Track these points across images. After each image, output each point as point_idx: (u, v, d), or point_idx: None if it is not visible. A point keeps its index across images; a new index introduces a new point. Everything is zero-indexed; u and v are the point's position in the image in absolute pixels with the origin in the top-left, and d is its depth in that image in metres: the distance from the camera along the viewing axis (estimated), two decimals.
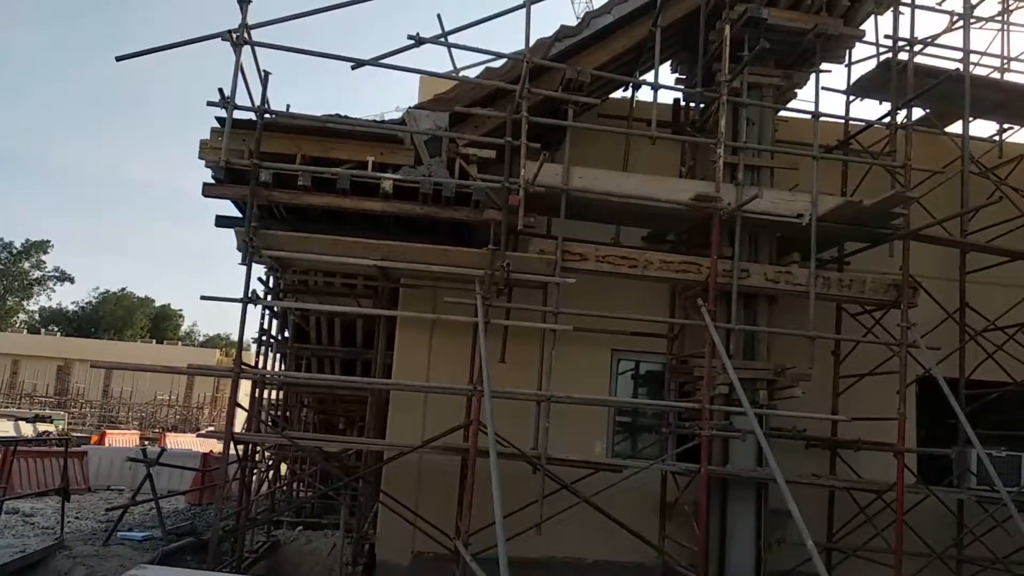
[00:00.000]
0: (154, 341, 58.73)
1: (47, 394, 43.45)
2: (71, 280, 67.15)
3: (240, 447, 8.15)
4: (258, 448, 12.40)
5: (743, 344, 8.40)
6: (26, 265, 65.49)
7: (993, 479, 8.36)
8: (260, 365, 8.52)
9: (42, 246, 65.24)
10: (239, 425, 8.45)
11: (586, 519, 7.82)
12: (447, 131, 7.82)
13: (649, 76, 9.48)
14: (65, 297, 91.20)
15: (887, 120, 8.59)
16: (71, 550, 8.47)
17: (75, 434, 24.00)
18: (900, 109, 8.24)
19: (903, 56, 8.64)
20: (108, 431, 22.97)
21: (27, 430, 21.60)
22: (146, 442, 22.61)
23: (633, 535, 7.86)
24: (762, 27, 8.15)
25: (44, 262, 66.40)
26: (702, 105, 8.96)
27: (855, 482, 8.29)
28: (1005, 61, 9.33)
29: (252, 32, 7.63)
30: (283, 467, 14.68)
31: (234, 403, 7.01)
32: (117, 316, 70.86)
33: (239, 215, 8.36)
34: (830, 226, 8.01)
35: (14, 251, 64.42)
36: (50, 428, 22.40)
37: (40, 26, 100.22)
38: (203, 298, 8.18)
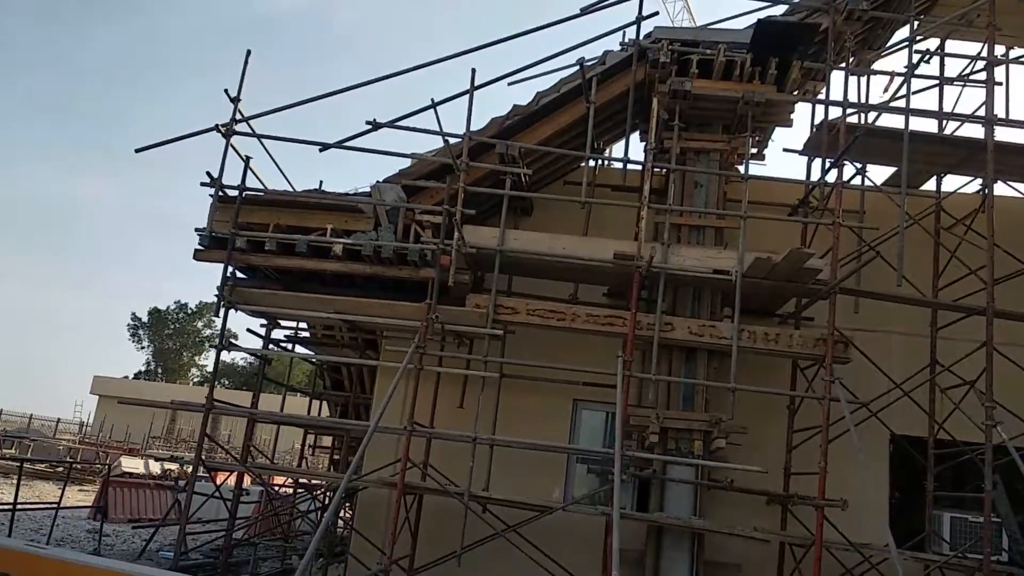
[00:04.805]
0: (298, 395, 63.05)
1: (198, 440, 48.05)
2: (235, 337, 73.86)
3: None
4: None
5: (682, 396, 8.73)
6: (199, 324, 72.98)
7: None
8: (255, 405, 9.76)
9: (212, 306, 72.64)
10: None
11: (534, 562, 8.32)
12: (406, 201, 8.93)
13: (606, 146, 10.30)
14: (235, 354, 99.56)
15: (832, 180, 8.76)
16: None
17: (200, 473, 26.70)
18: (833, 168, 8.45)
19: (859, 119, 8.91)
20: (219, 472, 25.44)
21: (155, 468, 24.49)
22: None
23: None
24: (690, 98, 8.72)
25: (214, 321, 73.73)
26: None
27: (780, 534, 8.29)
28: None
29: (251, 123, 9.26)
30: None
31: (203, 435, 8.29)
32: (278, 371, 77.02)
33: (242, 276, 9.85)
34: (759, 282, 8.28)
35: (189, 311, 72.13)
36: (174, 468, 25.20)
37: None
38: (227, 346, 9.47)
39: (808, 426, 8.90)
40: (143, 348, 72.23)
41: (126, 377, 65.32)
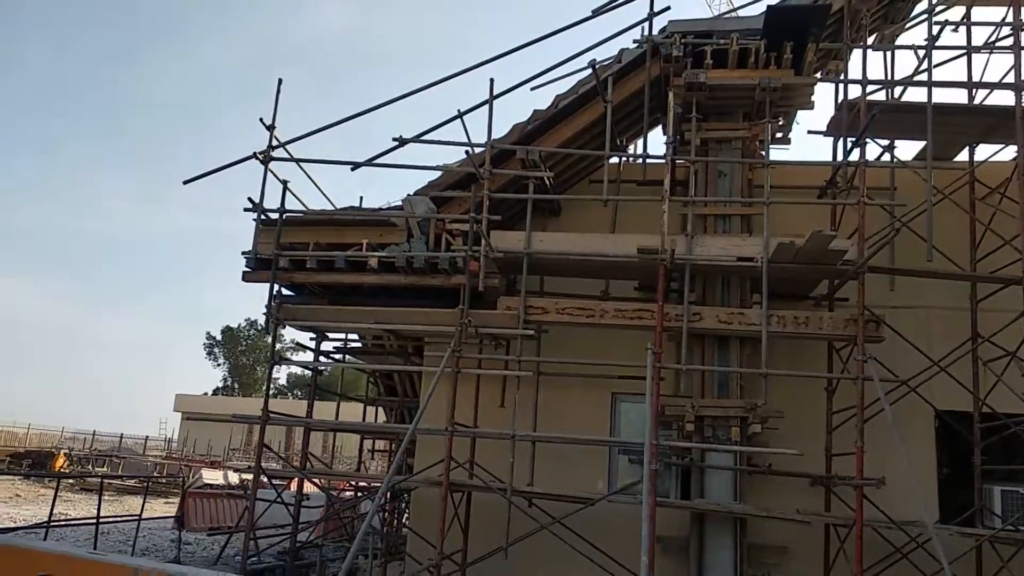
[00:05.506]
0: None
1: (279, 451, 49.76)
2: (303, 350, 75.88)
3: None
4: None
5: (716, 384, 8.83)
6: (269, 339, 75.26)
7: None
8: (309, 414, 10.26)
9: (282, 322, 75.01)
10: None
11: (580, 553, 8.53)
12: (436, 212, 9.27)
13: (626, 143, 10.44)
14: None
15: (854, 159, 8.71)
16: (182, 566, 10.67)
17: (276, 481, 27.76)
18: (855, 147, 8.42)
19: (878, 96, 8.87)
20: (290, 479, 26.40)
21: (233, 479, 25.60)
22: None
23: (621, 567, 8.49)
24: (706, 89, 8.81)
25: (283, 335, 76.06)
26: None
27: (821, 515, 8.31)
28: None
29: (288, 147, 9.73)
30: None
31: (261, 444, 8.80)
32: (346, 381, 78.93)
33: (290, 294, 10.37)
34: (785, 266, 8.32)
35: (259, 328, 74.45)
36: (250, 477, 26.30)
37: None
38: (278, 360, 10.01)
39: (849, 406, 8.89)
40: (219, 365, 75.01)
41: (205, 394, 67.86)
